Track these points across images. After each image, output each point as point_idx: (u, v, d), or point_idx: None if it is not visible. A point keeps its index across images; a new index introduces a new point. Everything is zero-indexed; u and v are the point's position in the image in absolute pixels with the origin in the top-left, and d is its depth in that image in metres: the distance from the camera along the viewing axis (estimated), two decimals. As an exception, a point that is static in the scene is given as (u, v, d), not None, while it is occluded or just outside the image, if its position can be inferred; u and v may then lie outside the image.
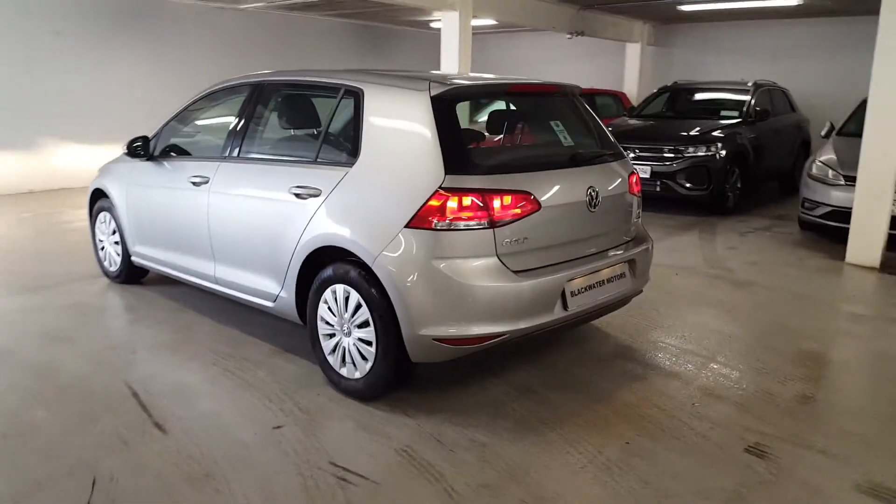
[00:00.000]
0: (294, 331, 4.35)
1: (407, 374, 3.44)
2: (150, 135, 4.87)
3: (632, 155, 8.66)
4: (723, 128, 8.82)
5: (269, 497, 2.71)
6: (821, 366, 4.09)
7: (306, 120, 3.99)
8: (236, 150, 4.14)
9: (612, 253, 3.68)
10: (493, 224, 3.11)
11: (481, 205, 3.09)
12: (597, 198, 3.52)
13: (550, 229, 3.33)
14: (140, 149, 4.71)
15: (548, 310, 3.28)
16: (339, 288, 3.44)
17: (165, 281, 5.41)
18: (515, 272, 3.19)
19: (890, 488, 2.81)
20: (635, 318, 4.80)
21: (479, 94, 3.66)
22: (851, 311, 5.16)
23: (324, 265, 3.52)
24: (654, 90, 10.56)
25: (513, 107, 4.02)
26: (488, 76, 3.89)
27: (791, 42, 12.54)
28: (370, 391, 3.45)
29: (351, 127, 3.53)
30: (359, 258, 3.29)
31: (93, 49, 10.06)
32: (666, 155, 8.52)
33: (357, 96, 3.54)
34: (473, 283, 3.09)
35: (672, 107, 10.28)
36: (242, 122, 4.17)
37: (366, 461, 2.98)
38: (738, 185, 8.84)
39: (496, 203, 3.12)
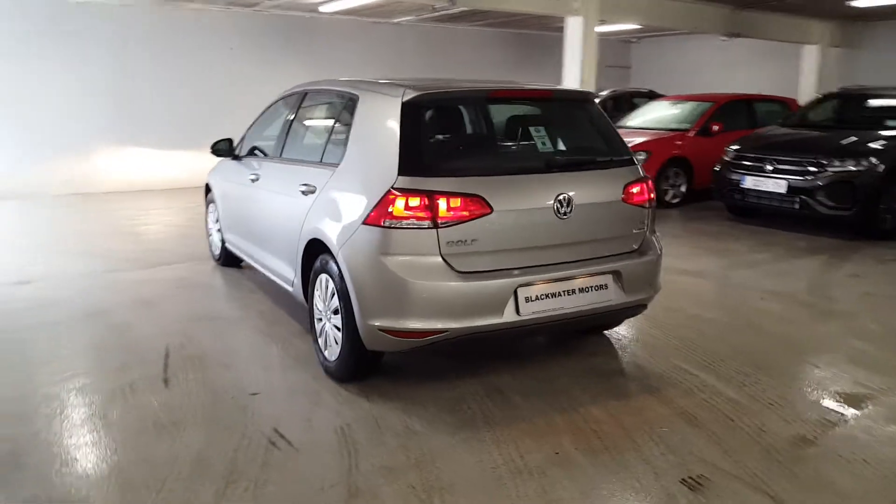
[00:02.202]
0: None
1: (370, 361, 3.66)
2: (234, 137, 5.58)
3: (769, 168, 7.99)
4: (885, 139, 7.79)
5: (205, 447, 3.11)
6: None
7: (322, 124, 4.37)
8: (279, 151, 4.65)
9: (589, 262, 3.60)
10: (436, 225, 3.24)
11: (427, 206, 3.24)
12: (567, 205, 3.48)
13: (504, 233, 3.36)
14: (222, 149, 5.40)
15: (495, 313, 3.33)
16: (324, 277, 3.77)
17: (257, 265, 6.13)
18: (461, 273, 3.29)
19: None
20: (666, 339, 4.57)
21: (454, 101, 3.76)
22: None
23: (317, 256, 3.88)
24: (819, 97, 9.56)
25: (495, 112, 4.06)
26: (480, 83, 3.97)
27: None
28: (341, 373, 3.73)
29: (346, 130, 3.85)
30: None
31: (256, 64, 11.38)
32: (806, 169, 7.72)
33: (354, 102, 3.85)
34: (415, 280, 3.24)
35: (837, 116, 9.24)
36: (285, 126, 4.67)
37: (303, 432, 3.27)
38: (901, 206, 7.75)
39: (442, 204, 3.24)
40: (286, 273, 4.34)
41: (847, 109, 9.18)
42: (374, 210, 3.32)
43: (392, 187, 3.29)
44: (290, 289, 4.37)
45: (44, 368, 4.00)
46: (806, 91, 11.89)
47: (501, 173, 3.47)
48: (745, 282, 5.99)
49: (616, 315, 3.85)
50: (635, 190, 3.79)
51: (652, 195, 3.88)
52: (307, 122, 4.58)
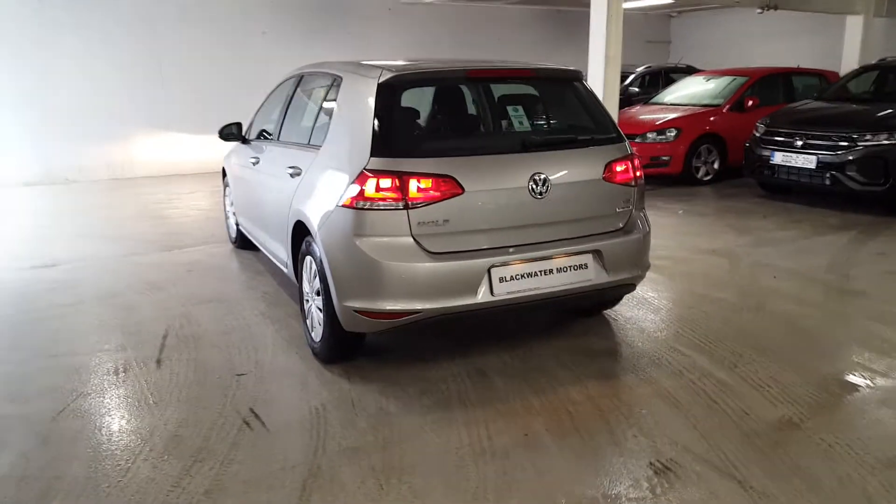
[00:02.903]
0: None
1: (350, 342, 3.68)
2: (243, 120, 5.64)
3: (798, 143, 7.69)
4: (924, 112, 7.39)
5: (181, 426, 3.19)
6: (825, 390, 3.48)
7: (311, 107, 4.38)
8: (277, 134, 4.69)
9: (568, 242, 3.53)
10: (407, 206, 3.22)
11: (398, 187, 3.23)
12: (543, 184, 3.42)
13: (477, 214, 3.32)
14: (229, 133, 5.47)
15: (469, 293, 3.30)
16: (308, 259, 3.80)
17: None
18: (433, 253, 3.27)
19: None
20: (666, 319, 4.46)
21: (430, 81, 3.69)
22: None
23: (304, 238, 3.91)
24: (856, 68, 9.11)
25: (472, 91, 3.98)
26: (459, 62, 3.89)
27: None
28: (325, 354, 3.77)
29: (330, 112, 3.85)
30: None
31: (289, 47, 11.45)
32: (837, 143, 7.40)
33: (339, 84, 3.84)
34: (387, 260, 3.24)
35: (875, 88, 8.80)
36: (282, 109, 4.71)
37: (278, 412, 3.32)
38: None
39: (413, 185, 3.22)
40: (281, 255, 4.40)
41: (886, 82, 8.73)
42: (346, 190, 3.32)
43: (364, 168, 3.28)
44: (285, 270, 4.43)
45: (47, 348, 4.16)
46: (849, 64, 11.31)
47: (474, 153, 3.43)
48: (763, 260, 5.80)
49: (600, 295, 3.77)
50: (619, 168, 3.69)
51: (638, 173, 3.78)
52: (299, 105, 4.61)
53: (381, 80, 3.44)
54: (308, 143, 4.05)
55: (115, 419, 3.30)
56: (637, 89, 11.96)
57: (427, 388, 3.53)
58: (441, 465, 2.86)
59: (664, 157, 9.36)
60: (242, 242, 6.20)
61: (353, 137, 3.47)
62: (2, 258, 6.23)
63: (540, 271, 3.44)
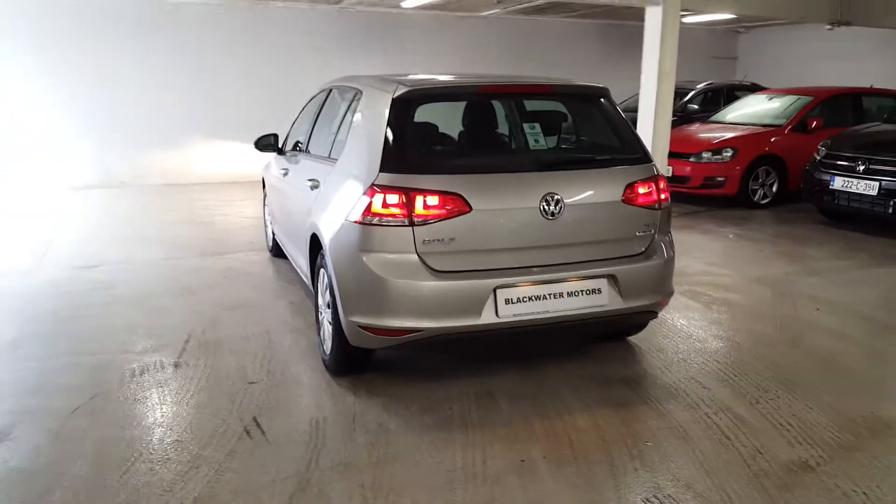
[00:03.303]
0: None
1: (358, 357, 3.66)
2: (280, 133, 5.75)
3: (860, 167, 7.32)
4: None
5: (184, 431, 3.24)
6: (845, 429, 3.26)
7: (334, 120, 4.42)
8: (305, 146, 4.76)
9: (581, 265, 3.43)
10: (412, 223, 3.20)
11: (404, 203, 3.21)
12: (556, 205, 3.33)
13: (484, 233, 3.27)
14: (266, 144, 5.56)
15: (473, 313, 3.24)
16: (322, 272, 3.82)
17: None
18: (438, 271, 3.23)
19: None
20: (694, 349, 4.29)
21: (445, 96, 3.66)
22: None
23: (319, 250, 3.93)
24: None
25: (488, 108, 3.90)
26: (479, 77, 3.84)
27: None
28: (334, 367, 3.77)
29: (349, 125, 3.88)
30: (328, 245, 3.64)
31: (342, 61, 11.58)
32: (901, 169, 7.01)
33: (359, 98, 3.87)
34: (390, 277, 3.22)
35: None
36: (311, 122, 4.77)
37: (281, 423, 3.34)
38: None
39: (419, 202, 3.19)
40: (303, 266, 4.45)
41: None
42: (355, 205, 3.33)
43: (373, 183, 3.28)
44: (307, 281, 4.47)
45: (76, 346, 4.31)
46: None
47: (485, 171, 3.37)
48: (810, 290, 5.51)
49: (617, 321, 3.65)
50: (642, 190, 3.57)
51: (663, 196, 3.64)
52: (325, 118, 4.66)
53: (395, 95, 3.44)
54: (328, 157, 4.09)
55: (124, 420, 3.38)
56: (696, 106, 11.62)
57: (431, 407, 3.49)
58: (430, 487, 2.81)
59: (719, 178, 9.06)
60: (277, 251, 6.29)
61: (367, 152, 3.48)
62: (53, 257, 6.51)
63: (549, 294, 3.35)
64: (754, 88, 12.29)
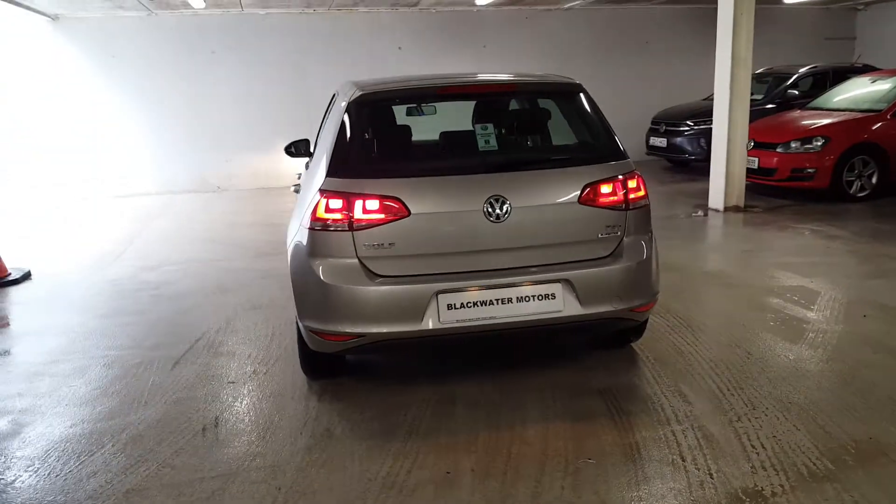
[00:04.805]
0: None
1: (321, 360, 3.67)
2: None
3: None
4: None
5: (150, 426, 3.41)
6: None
7: (323, 124, 4.47)
8: (312, 152, 4.86)
9: (533, 270, 3.27)
10: (352, 227, 3.19)
11: (344, 208, 3.20)
12: (501, 207, 3.19)
13: (424, 237, 3.19)
14: (295, 149, 5.70)
15: (414, 319, 3.18)
16: (295, 275, 3.90)
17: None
18: (377, 276, 3.20)
19: None
20: (698, 359, 3.97)
21: (401, 99, 3.57)
22: None
23: None
24: None
25: (445, 109, 3.77)
26: (441, 78, 3.71)
27: None
28: (305, 369, 3.83)
29: (321, 130, 3.92)
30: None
31: (424, 61, 11.70)
32: None
33: (334, 101, 3.91)
34: (333, 282, 3.22)
35: None
36: (319, 126, 4.85)
37: (239, 422, 3.45)
38: None
39: (357, 206, 3.18)
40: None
41: None
42: (305, 211, 3.37)
43: (319, 188, 3.31)
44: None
45: (94, 343, 4.65)
46: None
47: (426, 174, 3.30)
48: (866, 295, 4.93)
49: (580, 329, 3.45)
50: (605, 189, 3.35)
51: (632, 195, 3.40)
52: (323, 123, 4.73)
53: (350, 99, 3.45)
54: (310, 162, 4.16)
55: (103, 413, 3.62)
56: (796, 92, 10.69)
57: (386, 413, 3.46)
58: (343, 495, 2.80)
59: (808, 170, 8.30)
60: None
61: (324, 157, 3.51)
62: (128, 257, 7.08)
63: (496, 300, 3.22)
64: (866, 71, 11.13)
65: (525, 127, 3.68)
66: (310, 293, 3.35)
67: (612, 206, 3.36)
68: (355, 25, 11.68)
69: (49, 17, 10.47)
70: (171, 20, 10.97)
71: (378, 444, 3.17)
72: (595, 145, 3.53)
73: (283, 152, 5.76)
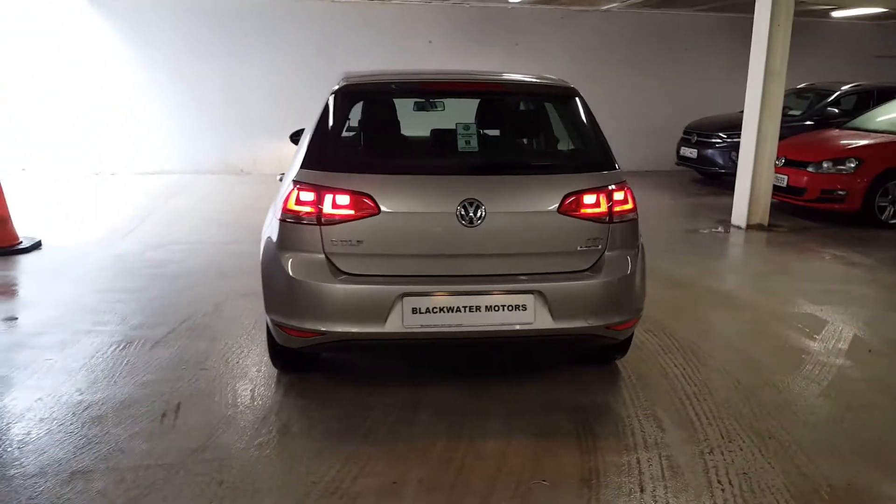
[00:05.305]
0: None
1: (290, 355, 3.58)
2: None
3: None
4: None
5: (113, 407, 3.39)
6: None
7: None
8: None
9: (505, 279, 3.15)
10: (320, 221, 3.11)
11: (315, 201, 3.12)
12: (475, 211, 3.07)
13: (393, 237, 3.09)
14: (295, 138, 5.63)
15: (376, 321, 3.08)
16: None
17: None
18: (344, 273, 3.12)
19: None
20: (683, 382, 3.81)
21: (384, 92, 3.46)
22: None
23: None
24: None
25: (431, 105, 3.63)
26: (426, 73, 3.58)
27: None
28: (274, 362, 3.76)
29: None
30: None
31: (453, 57, 11.57)
32: None
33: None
34: (298, 277, 3.15)
35: None
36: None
37: (199, 412, 3.39)
38: None
39: (327, 201, 3.10)
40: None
41: None
42: (279, 202, 3.30)
43: (292, 179, 3.24)
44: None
45: (84, 318, 4.65)
46: None
47: (400, 172, 3.19)
48: (879, 328, 4.68)
49: (551, 343, 3.31)
50: (588, 200, 3.20)
51: (617, 208, 3.25)
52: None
53: (334, 89, 3.37)
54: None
55: (72, 388, 3.60)
56: (836, 110, 10.28)
57: (347, 414, 3.38)
58: (284, 497, 2.73)
59: (839, 192, 7.97)
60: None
61: (303, 147, 3.43)
62: (138, 234, 7.13)
63: (464, 307, 3.11)
64: (916, 91, 10.66)
65: (512, 129, 3.55)
66: (275, 285, 3.28)
67: (594, 219, 3.21)
68: (386, 16, 11.60)
69: (87, -5, 10.63)
70: (207, 2, 11.03)
71: (331, 445, 3.10)
72: (584, 153, 3.39)
73: (289, 140, 5.71)
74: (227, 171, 11.55)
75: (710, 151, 10.50)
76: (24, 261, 6.11)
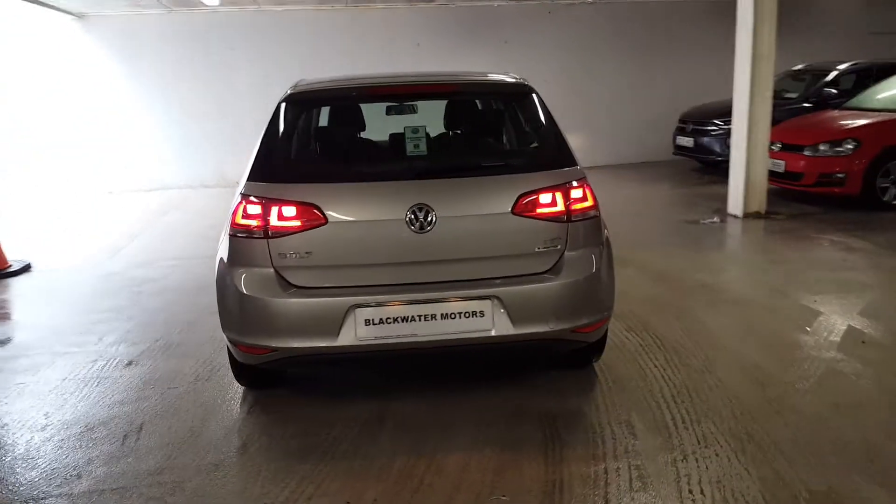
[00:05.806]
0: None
1: (251, 372, 3.50)
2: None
3: None
4: None
5: (81, 429, 3.33)
6: None
7: None
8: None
9: (460, 285, 3.03)
10: (267, 235, 3.02)
11: (261, 214, 3.04)
12: (425, 217, 2.97)
13: (342, 247, 3.00)
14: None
15: (329, 334, 2.99)
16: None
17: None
18: (294, 287, 3.03)
19: None
20: (661, 384, 3.67)
21: (332, 99, 3.35)
22: None
23: None
24: None
25: (376, 110, 3.52)
26: (375, 78, 3.47)
27: None
28: (238, 379, 3.67)
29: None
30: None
31: (441, 58, 11.42)
32: None
33: None
34: (245, 292, 3.07)
35: None
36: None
37: (162, 430, 3.33)
38: None
39: (273, 212, 3.01)
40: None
41: None
42: (229, 216, 3.22)
43: (240, 192, 3.15)
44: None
45: (61, 339, 4.60)
46: None
47: (347, 180, 3.09)
48: (871, 318, 4.50)
49: (513, 350, 3.19)
50: (544, 199, 3.08)
51: (575, 206, 3.12)
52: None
53: (282, 98, 3.28)
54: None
55: (39, 413, 3.56)
56: (834, 91, 10.03)
57: (308, 431, 3.29)
58: (230, 511, 2.65)
59: (838, 175, 7.76)
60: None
61: (251, 159, 3.35)
62: (128, 252, 7.11)
63: (419, 316, 3.01)
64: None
65: (466, 130, 3.43)
66: (227, 302, 3.20)
67: (551, 218, 3.09)
68: (373, 21, 11.51)
69: (75, 15, 10.63)
70: (190, 18, 11.00)
71: (288, 464, 3.01)
72: (540, 151, 3.28)
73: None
74: (224, 184, 11.49)
75: (706, 139, 10.30)
76: (14, 284, 6.11)
